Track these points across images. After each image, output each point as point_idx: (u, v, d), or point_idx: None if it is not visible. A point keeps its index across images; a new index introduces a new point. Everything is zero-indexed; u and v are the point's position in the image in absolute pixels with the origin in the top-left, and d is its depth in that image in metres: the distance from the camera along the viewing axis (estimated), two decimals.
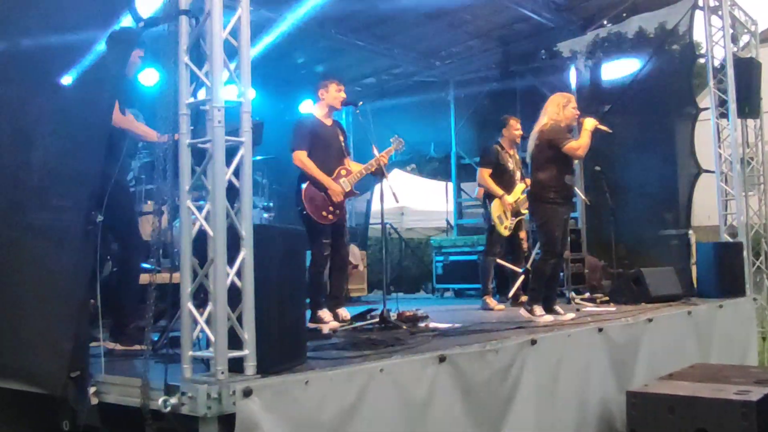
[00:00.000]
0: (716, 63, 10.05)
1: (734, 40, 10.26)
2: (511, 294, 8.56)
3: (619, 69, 11.14)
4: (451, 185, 13.69)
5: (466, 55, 12.06)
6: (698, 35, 10.69)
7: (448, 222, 14.16)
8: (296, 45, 10.37)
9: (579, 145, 6.73)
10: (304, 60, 11.25)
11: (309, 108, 8.36)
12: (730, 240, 9.76)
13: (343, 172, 6.82)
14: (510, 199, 8.29)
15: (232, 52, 3.66)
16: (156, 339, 4.35)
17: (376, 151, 6.77)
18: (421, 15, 9.98)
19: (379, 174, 6.85)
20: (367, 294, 11.50)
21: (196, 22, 3.68)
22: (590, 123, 6.79)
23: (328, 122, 6.90)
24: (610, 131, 6.99)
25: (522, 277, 8.50)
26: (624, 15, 10.68)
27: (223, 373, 3.35)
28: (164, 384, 3.38)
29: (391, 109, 12.09)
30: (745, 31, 10.76)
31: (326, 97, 6.85)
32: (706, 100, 10.31)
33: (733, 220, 9.93)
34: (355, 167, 6.91)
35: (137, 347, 4.24)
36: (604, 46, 11.58)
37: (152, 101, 5.25)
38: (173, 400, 3.33)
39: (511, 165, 8.49)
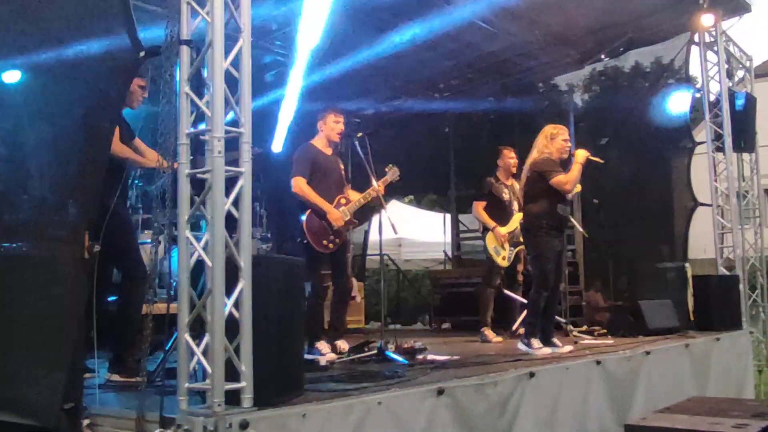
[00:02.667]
0: (712, 97, 10.12)
1: (729, 75, 10.34)
2: (513, 328, 8.53)
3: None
4: (449, 217, 13.69)
5: (464, 87, 12.12)
6: (694, 70, 10.79)
7: (446, 253, 14.14)
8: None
9: (567, 179, 6.72)
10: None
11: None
12: (727, 273, 9.77)
13: (343, 200, 6.82)
14: (503, 230, 8.30)
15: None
16: (152, 370, 4.32)
17: (374, 181, 6.78)
18: (420, 47, 10.04)
19: (377, 205, 6.85)
20: (364, 325, 11.46)
21: (197, 52, 3.69)
22: (581, 155, 6.80)
23: (328, 152, 6.91)
24: (602, 162, 6.99)
25: (525, 311, 8.48)
26: (621, 49, 10.76)
27: (219, 405, 3.32)
28: (160, 416, 3.35)
29: (391, 140, 12.12)
30: (741, 66, 10.85)
31: (324, 129, 6.87)
32: (702, 133, 10.36)
33: (729, 253, 9.94)
34: (353, 196, 6.92)
35: (136, 379, 4.21)
36: (601, 80, 11.68)
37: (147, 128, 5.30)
38: None
39: (506, 196, 8.50)
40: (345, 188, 6.94)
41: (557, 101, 12.12)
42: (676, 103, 10.57)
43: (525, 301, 8.38)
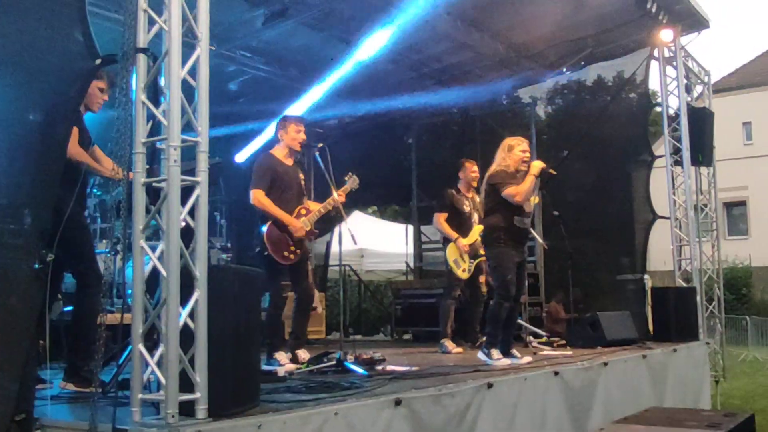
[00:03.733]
0: (671, 112, 10.28)
1: (688, 90, 10.52)
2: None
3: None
4: (411, 228, 13.71)
5: (427, 98, 12.15)
6: (654, 84, 10.96)
7: (407, 264, 14.15)
8: (259, 85, 10.40)
9: (517, 191, 6.75)
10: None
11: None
12: (684, 285, 9.90)
13: (303, 211, 6.78)
14: (464, 242, 8.32)
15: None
16: (106, 381, 4.26)
17: (334, 191, 6.76)
18: (383, 58, 10.07)
19: (338, 215, 6.84)
20: (325, 336, 11.42)
21: (154, 61, 3.66)
22: (535, 167, 6.83)
23: (289, 162, 6.85)
24: (555, 173, 7.03)
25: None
26: (582, 63, 10.89)
27: (173, 416, 3.28)
28: (112, 428, 3.30)
29: (353, 151, 12.12)
30: (699, 81, 11.03)
31: (285, 138, 6.80)
32: (662, 147, 10.51)
33: (687, 265, 10.08)
34: (314, 206, 6.89)
35: (90, 389, 4.15)
36: (564, 93, 11.79)
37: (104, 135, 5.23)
38: None
39: (467, 208, 8.53)
40: (305, 199, 6.91)
41: (520, 113, 12.20)
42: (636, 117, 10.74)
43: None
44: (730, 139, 26.92)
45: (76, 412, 3.87)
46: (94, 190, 7.57)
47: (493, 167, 6.98)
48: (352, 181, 7.03)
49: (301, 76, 10.46)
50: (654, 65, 10.38)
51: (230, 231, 10.21)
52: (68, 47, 3.99)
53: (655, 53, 10.24)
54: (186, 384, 3.38)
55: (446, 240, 8.51)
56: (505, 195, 6.74)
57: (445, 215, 8.48)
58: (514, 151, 6.93)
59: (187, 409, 3.37)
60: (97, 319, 4.82)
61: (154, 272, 3.53)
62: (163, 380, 3.34)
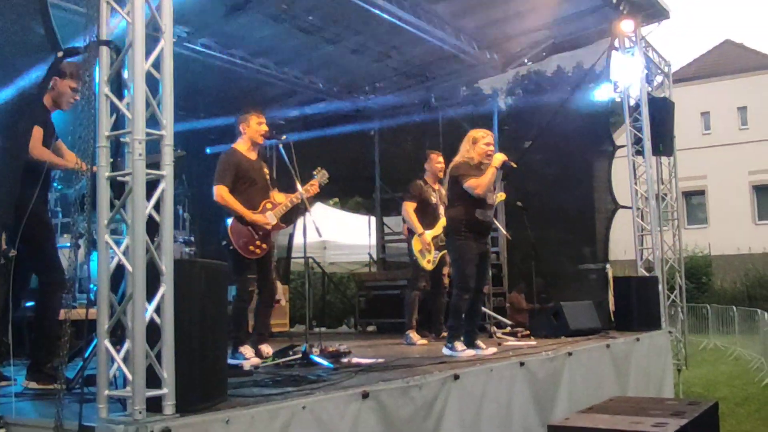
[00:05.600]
0: (632, 102, 10.37)
1: (649, 80, 10.62)
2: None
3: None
4: (374, 219, 13.71)
5: (389, 89, 12.17)
6: (615, 74, 11.02)
7: (371, 256, 14.16)
8: (221, 76, 10.32)
9: (478, 183, 6.76)
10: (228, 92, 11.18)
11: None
12: (646, 274, 10.01)
13: (269, 205, 6.72)
14: (429, 235, 8.34)
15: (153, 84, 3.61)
16: (71, 377, 4.21)
17: (299, 185, 6.71)
18: (345, 49, 10.05)
19: (301, 207, 6.79)
20: (289, 329, 11.39)
21: (117, 53, 3.61)
22: (497, 159, 6.85)
23: (253, 156, 6.78)
24: (515, 166, 7.06)
25: None
26: (543, 54, 10.94)
27: (140, 412, 3.25)
28: (79, 425, 3.26)
29: (315, 143, 12.08)
30: (659, 71, 11.14)
31: (247, 131, 6.72)
32: (623, 137, 10.62)
33: (648, 254, 10.20)
34: (280, 198, 6.83)
35: (54, 386, 4.09)
36: (524, 84, 11.83)
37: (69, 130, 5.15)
38: None
39: (434, 199, 8.55)
40: (271, 192, 6.86)
41: (481, 105, 12.23)
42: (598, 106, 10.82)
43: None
44: (689, 129, 27.28)
45: (41, 410, 3.81)
46: (55, 184, 7.45)
47: (457, 158, 6.98)
48: (321, 176, 6.97)
49: (263, 68, 10.40)
50: (614, 56, 10.45)
51: (193, 224, 10.12)
52: (28, 40, 3.92)
53: (616, 43, 10.32)
54: (153, 379, 3.35)
55: (410, 231, 8.53)
56: (466, 187, 6.75)
57: (413, 205, 8.48)
58: (478, 144, 6.94)
59: (154, 405, 3.34)
60: (58, 317, 4.79)
61: (118, 267, 3.48)
62: (129, 376, 3.31)
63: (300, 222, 6.94)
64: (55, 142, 5.11)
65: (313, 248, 13.55)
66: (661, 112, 10.41)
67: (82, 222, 3.61)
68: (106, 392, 3.37)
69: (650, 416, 5.44)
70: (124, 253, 3.44)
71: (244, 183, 6.59)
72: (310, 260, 13.14)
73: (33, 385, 4.63)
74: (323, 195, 10.85)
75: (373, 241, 13.74)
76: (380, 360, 6.28)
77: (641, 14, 9.95)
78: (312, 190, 6.79)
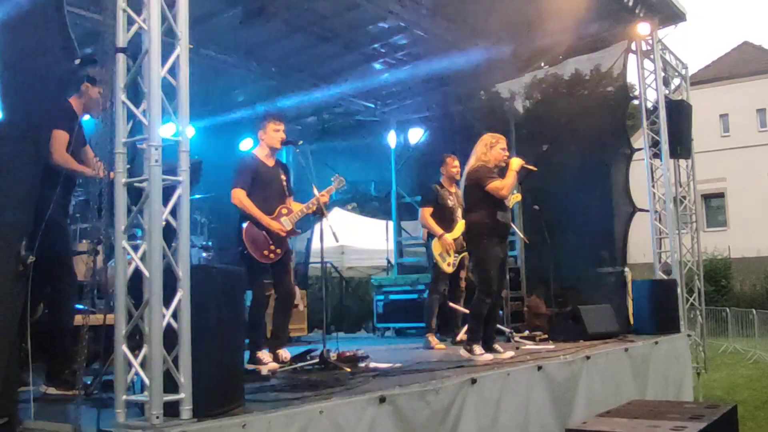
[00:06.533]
0: (649, 105, 10.33)
1: (666, 82, 10.57)
2: (457, 339, 8.55)
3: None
4: (391, 224, 13.71)
5: (406, 95, 12.17)
6: (632, 77, 11.00)
7: (388, 261, 14.15)
8: (236, 83, 10.37)
9: (503, 185, 6.79)
10: (245, 98, 11.23)
11: (249, 146, 8.32)
12: (665, 277, 9.95)
13: (284, 211, 6.76)
14: (449, 237, 8.33)
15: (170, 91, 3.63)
16: (89, 382, 4.24)
17: (315, 191, 6.74)
18: (361, 55, 10.07)
19: (318, 213, 6.82)
20: (307, 334, 11.39)
21: (134, 60, 3.64)
22: (516, 163, 6.88)
23: (270, 162, 6.83)
24: (535, 169, 7.07)
25: None
26: (560, 57, 10.91)
27: (158, 417, 3.27)
28: (97, 429, 3.29)
29: (332, 148, 12.12)
30: (677, 74, 11.09)
31: (265, 138, 6.79)
32: (640, 140, 10.57)
33: (666, 257, 10.14)
34: (295, 207, 6.87)
35: (72, 391, 4.12)
36: (542, 87, 11.80)
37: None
38: None
39: (451, 203, 8.54)
40: (287, 199, 6.89)
41: (498, 108, 12.21)
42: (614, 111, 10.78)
43: (467, 311, 8.44)
44: (708, 132, 27.12)
45: (59, 415, 3.83)
46: (77, 190, 7.49)
47: (473, 162, 6.99)
48: (338, 182, 7.01)
49: (280, 74, 10.45)
50: (632, 58, 10.42)
51: (211, 230, 10.16)
52: (47, 48, 3.96)
53: (633, 46, 10.28)
54: (170, 384, 3.38)
55: (430, 235, 8.53)
56: (489, 189, 6.75)
57: (430, 210, 8.49)
58: (495, 148, 6.96)
59: (171, 410, 3.37)
60: (72, 322, 4.82)
61: (136, 272, 3.51)
62: (147, 381, 3.34)
63: (317, 227, 6.96)
64: (83, 147, 5.16)
65: (331, 253, 13.62)
66: (679, 115, 10.35)
67: (100, 228, 3.64)
68: (124, 397, 3.41)
69: (668, 420, 5.43)
70: (142, 259, 3.47)
71: (261, 188, 6.64)
72: (328, 265, 13.19)
73: (52, 390, 4.66)
74: (341, 200, 10.88)
75: (391, 245, 13.73)
76: (397, 364, 6.27)
77: (658, 17, 9.91)
78: (325, 197, 6.81)
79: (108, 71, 3.68)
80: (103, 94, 5.02)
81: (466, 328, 8.40)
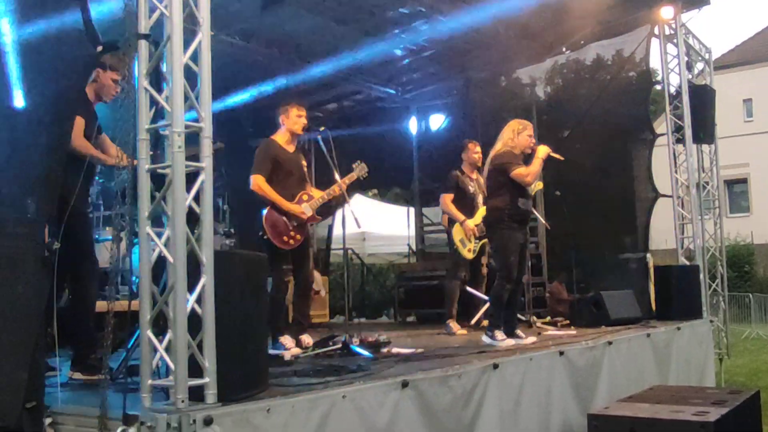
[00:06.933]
0: (672, 90, 10.24)
1: (689, 67, 10.47)
2: (473, 321, 8.58)
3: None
4: (412, 210, 13.71)
5: (427, 81, 12.14)
6: (654, 62, 10.91)
7: (410, 247, 14.16)
8: (257, 69, 10.37)
9: (528, 171, 6.77)
10: (266, 84, 11.23)
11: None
12: (687, 263, 9.90)
13: (305, 197, 6.76)
14: (471, 223, 8.32)
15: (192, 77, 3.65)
16: (115, 368, 4.28)
17: (337, 177, 6.74)
18: (382, 41, 10.04)
19: (340, 199, 6.82)
20: (328, 320, 11.45)
21: (156, 47, 3.65)
22: (543, 151, 6.85)
23: (291, 148, 6.82)
24: (562, 159, 7.04)
25: (488, 304, 8.53)
26: (582, 42, 10.84)
27: (183, 401, 3.30)
28: (123, 414, 3.31)
29: (353, 135, 12.10)
30: (700, 58, 10.98)
31: (287, 123, 6.77)
32: (663, 125, 10.49)
33: (689, 243, 10.08)
34: (316, 193, 6.87)
35: (97, 376, 4.17)
36: (563, 73, 11.75)
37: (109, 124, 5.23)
38: (132, 430, 3.26)
39: (472, 189, 8.53)
40: (307, 185, 6.90)
41: (520, 94, 12.16)
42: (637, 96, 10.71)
43: (485, 297, 8.45)
44: (731, 117, 26.86)
45: (85, 399, 3.88)
46: (97, 177, 7.56)
47: (500, 147, 6.94)
48: (359, 169, 7.00)
49: (300, 60, 10.43)
50: (654, 43, 10.33)
51: (233, 216, 10.20)
52: (68, 34, 3.98)
53: (656, 31, 10.19)
54: (195, 369, 3.41)
55: (451, 221, 8.53)
56: (514, 175, 6.73)
57: (451, 196, 8.49)
58: (522, 134, 6.92)
59: (196, 394, 3.39)
60: (93, 307, 4.87)
61: (159, 259, 3.53)
62: (172, 366, 3.36)
63: (339, 213, 6.97)
64: (99, 135, 5.19)
65: (352, 239, 13.58)
66: (702, 100, 10.25)
67: (123, 215, 3.66)
68: (150, 382, 3.43)
69: (691, 405, 5.40)
70: (165, 245, 3.49)
71: (281, 174, 6.64)
72: (349, 251, 13.20)
73: (78, 375, 4.72)
74: (362, 187, 10.89)
75: (412, 231, 13.73)
76: (419, 350, 6.29)
77: (681, 1, 9.82)
78: (346, 184, 6.81)
79: (124, 57, 3.70)
80: (116, 80, 5.07)
81: (482, 310, 8.43)
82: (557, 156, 6.95)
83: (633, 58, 10.76)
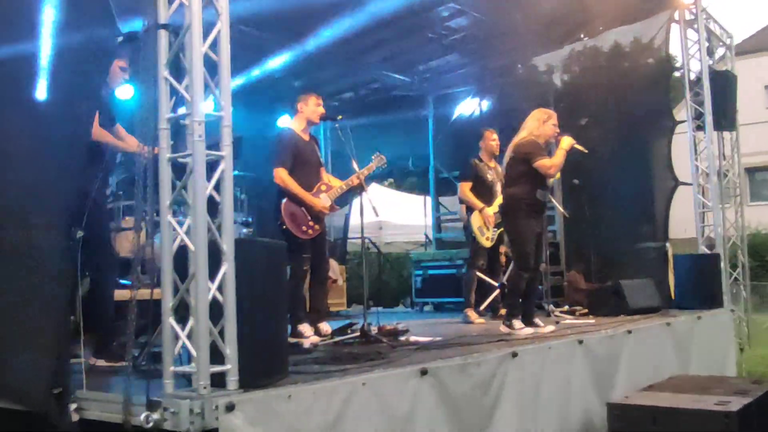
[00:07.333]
0: (692, 76, 10.15)
1: (710, 53, 10.37)
2: (483, 307, 8.55)
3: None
4: (429, 199, 13.69)
5: (443, 69, 12.09)
6: (674, 48, 10.82)
7: (426, 236, 14.16)
8: (274, 59, 10.35)
9: (552, 163, 6.72)
10: (282, 74, 11.22)
11: (286, 122, 8.32)
12: (708, 252, 9.83)
13: (323, 187, 6.78)
14: (489, 211, 8.32)
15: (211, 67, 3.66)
16: (137, 355, 4.31)
17: (356, 167, 6.75)
18: (399, 29, 10.00)
19: (358, 188, 6.84)
20: (346, 308, 11.48)
21: (176, 37, 3.67)
22: (567, 142, 6.79)
23: (306, 137, 6.85)
24: (586, 151, 6.99)
25: (497, 291, 8.53)
26: (600, 29, 10.75)
27: (205, 387, 3.33)
28: (146, 399, 3.35)
29: (370, 124, 12.07)
30: (721, 44, 10.89)
31: (305, 111, 6.80)
32: (683, 112, 10.41)
33: (710, 232, 10.00)
34: (335, 182, 6.89)
35: (120, 363, 4.21)
36: (580, 60, 11.66)
37: (130, 115, 5.26)
38: (155, 416, 3.30)
39: (490, 177, 8.52)
40: (322, 171, 6.92)
41: (536, 82, 12.09)
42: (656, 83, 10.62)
43: (495, 283, 8.45)
44: (753, 103, 26.56)
45: (109, 385, 3.92)
46: (120, 167, 7.60)
47: (524, 135, 6.88)
48: (378, 161, 7.00)
49: (318, 50, 10.40)
50: (674, 28, 10.24)
51: (251, 206, 10.23)
52: (89, 25, 4.01)
53: (675, 16, 10.09)
54: (216, 356, 3.44)
55: (469, 209, 8.52)
56: (537, 166, 6.68)
57: (469, 185, 8.50)
58: (547, 123, 6.87)
59: (218, 381, 3.42)
60: (113, 296, 4.93)
61: (180, 247, 3.56)
62: (194, 352, 3.39)
63: (356, 202, 6.99)
64: (113, 126, 5.22)
65: (369, 228, 13.62)
66: (723, 86, 10.16)
67: (144, 204, 3.68)
68: (172, 368, 3.46)
69: (713, 395, 5.39)
70: (187, 234, 3.51)
71: (300, 164, 6.67)
72: (366, 240, 13.20)
73: (101, 362, 4.77)
74: (378, 176, 10.88)
75: (429, 220, 13.72)
76: (438, 338, 6.30)
77: None
78: (365, 174, 6.82)
79: (142, 46, 3.71)
80: (123, 67, 5.10)
81: (492, 297, 8.42)
82: (581, 148, 6.89)
83: (652, 44, 10.65)
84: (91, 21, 4.07)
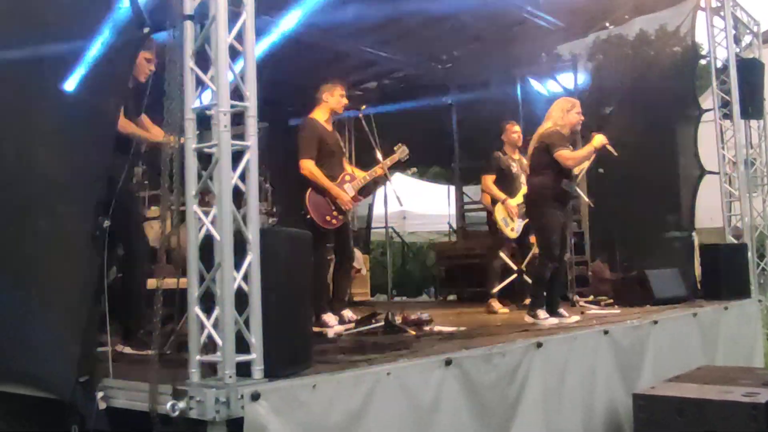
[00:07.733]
0: (719, 64, 10.04)
1: (737, 40, 10.24)
2: (496, 290, 8.45)
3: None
4: (453, 189, 13.66)
5: (467, 58, 12.03)
6: (700, 36, 10.68)
7: (450, 225, 14.13)
8: (298, 48, 10.34)
9: (572, 156, 6.69)
10: (307, 64, 11.22)
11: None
12: (735, 241, 9.74)
13: (347, 177, 6.80)
14: (513, 202, 8.29)
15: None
16: (163, 343, 4.34)
17: (380, 157, 6.75)
18: (422, 18, 9.96)
19: (381, 179, 6.85)
20: (369, 298, 11.50)
21: (201, 27, 3.68)
22: (598, 140, 6.75)
23: (329, 127, 6.87)
24: (616, 154, 6.93)
25: (514, 275, 8.49)
26: (626, 17, 10.65)
27: (231, 377, 3.35)
28: (173, 388, 3.37)
29: (393, 113, 12.05)
30: (748, 31, 10.74)
31: (330, 101, 6.81)
32: (709, 101, 10.30)
33: (737, 221, 9.91)
34: (359, 173, 6.90)
35: (147, 351, 4.24)
36: (605, 48, 11.57)
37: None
38: (181, 404, 3.32)
39: (514, 168, 8.49)
40: (344, 160, 6.93)
41: (561, 71, 12.00)
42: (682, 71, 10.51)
43: (514, 266, 8.40)
44: None
45: (135, 374, 3.95)
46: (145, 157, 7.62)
47: (549, 125, 6.85)
48: (401, 152, 7.02)
49: (340, 40, 10.39)
50: (700, 16, 10.12)
51: (275, 196, 10.24)
52: (116, 17, 4.02)
53: (702, 4, 9.98)
54: (242, 345, 3.45)
55: (493, 200, 8.49)
56: (557, 156, 6.65)
57: (493, 177, 8.48)
58: (571, 112, 6.85)
59: (243, 370, 3.44)
60: (144, 285, 4.96)
61: (206, 237, 3.57)
62: (219, 342, 3.41)
63: (379, 192, 6.99)
64: (138, 117, 5.25)
65: (392, 218, 13.64)
66: (750, 74, 10.03)
67: (170, 194, 3.70)
68: (198, 357, 3.48)
69: (740, 386, 5.33)
70: (212, 223, 3.52)
71: (325, 154, 6.69)
72: (390, 230, 13.22)
73: (128, 350, 4.81)
74: (402, 165, 10.82)
75: (452, 210, 13.69)
76: (462, 328, 6.30)
77: None
78: (389, 164, 6.82)
79: (174, 39, 3.72)
80: (149, 59, 5.12)
81: (507, 281, 8.38)
82: (612, 149, 6.84)
83: (678, 32, 10.53)
84: (117, 13, 4.08)
